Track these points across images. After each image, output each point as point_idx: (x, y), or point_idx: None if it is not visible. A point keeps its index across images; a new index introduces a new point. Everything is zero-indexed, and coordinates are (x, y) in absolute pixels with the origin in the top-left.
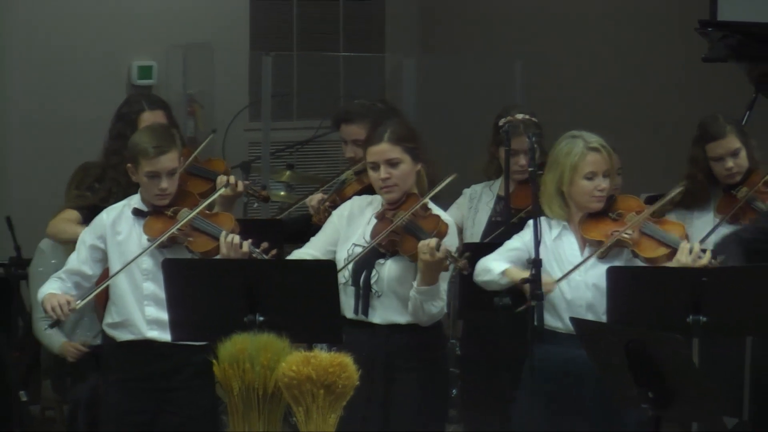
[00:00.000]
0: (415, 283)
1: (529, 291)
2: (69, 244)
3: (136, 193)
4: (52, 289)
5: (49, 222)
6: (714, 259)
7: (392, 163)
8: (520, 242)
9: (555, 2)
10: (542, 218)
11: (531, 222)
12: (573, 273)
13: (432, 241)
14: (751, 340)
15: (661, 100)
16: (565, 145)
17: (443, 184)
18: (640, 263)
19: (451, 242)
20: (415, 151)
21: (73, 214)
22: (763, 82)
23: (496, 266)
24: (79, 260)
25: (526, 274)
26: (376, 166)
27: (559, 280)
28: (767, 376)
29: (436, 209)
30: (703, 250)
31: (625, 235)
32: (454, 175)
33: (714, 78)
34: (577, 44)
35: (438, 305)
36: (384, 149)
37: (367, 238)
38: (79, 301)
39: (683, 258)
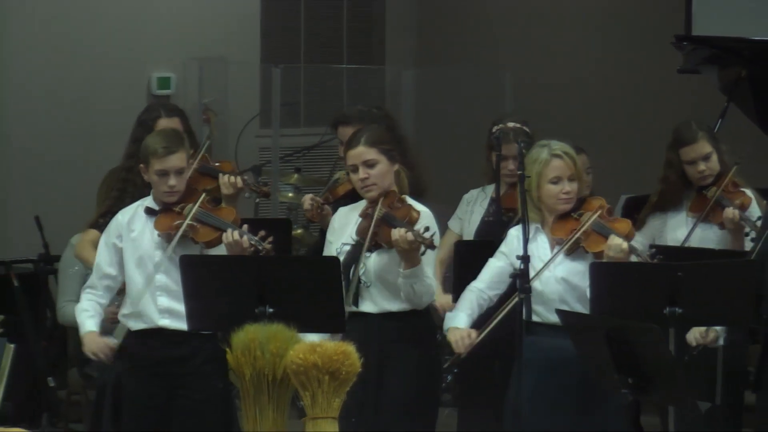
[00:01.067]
0: (400, 269)
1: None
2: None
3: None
4: (90, 320)
5: (76, 252)
6: (644, 253)
7: (369, 164)
8: (502, 257)
9: (542, 19)
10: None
11: (510, 232)
12: (543, 269)
13: (402, 230)
14: (722, 329)
15: (639, 108)
16: (533, 153)
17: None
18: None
19: (426, 226)
20: (391, 152)
21: (94, 235)
22: (737, 85)
23: (449, 320)
24: (104, 262)
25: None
26: (355, 168)
27: (533, 278)
28: (738, 363)
29: (410, 201)
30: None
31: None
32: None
33: (688, 88)
34: (562, 57)
35: (426, 283)
36: (361, 152)
37: (354, 236)
38: (116, 342)
39: (609, 252)
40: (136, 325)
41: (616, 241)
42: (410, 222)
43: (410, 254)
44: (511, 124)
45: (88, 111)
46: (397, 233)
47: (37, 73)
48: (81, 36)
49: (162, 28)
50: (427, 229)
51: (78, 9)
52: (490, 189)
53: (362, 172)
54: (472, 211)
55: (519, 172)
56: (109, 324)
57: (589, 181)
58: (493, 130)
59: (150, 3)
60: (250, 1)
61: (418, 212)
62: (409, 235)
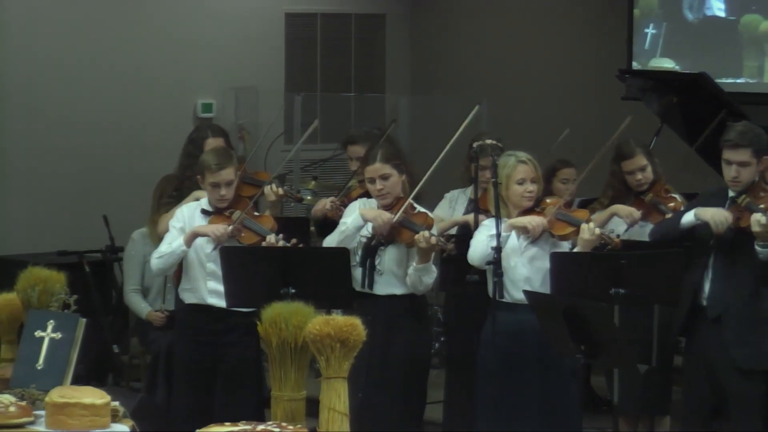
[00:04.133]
0: (413, 263)
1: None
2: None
3: None
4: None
5: (159, 228)
6: (612, 235)
7: (384, 177)
8: (483, 235)
9: (512, 59)
10: (493, 218)
11: (484, 222)
12: (511, 256)
13: (427, 233)
14: (657, 307)
15: (590, 128)
16: (502, 159)
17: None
18: (561, 246)
19: (449, 235)
20: (400, 166)
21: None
22: (669, 109)
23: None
24: (174, 239)
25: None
26: (372, 180)
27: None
28: (670, 333)
29: (420, 208)
30: (620, 236)
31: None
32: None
33: (630, 112)
34: (529, 89)
35: (432, 277)
36: (377, 167)
37: (369, 230)
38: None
39: (584, 235)
40: (189, 299)
41: (588, 226)
42: (428, 227)
43: (428, 253)
44: (488, 141)
45: (146, 130)
46: (422, 237)
47: (105, 101)
48: (143, 70)
49: (205, 64)
50: (448, 237)
51: (141, 50)
52: (469, 191)
53: (379, 184)
54: (454, 209)
55: (492, 180)
56: (155, 325)
57: (573, 189)
58: (474, 145)
59: (196, 45)
60: (277, 42)
61: (432, 218)
62: (433, 239)
